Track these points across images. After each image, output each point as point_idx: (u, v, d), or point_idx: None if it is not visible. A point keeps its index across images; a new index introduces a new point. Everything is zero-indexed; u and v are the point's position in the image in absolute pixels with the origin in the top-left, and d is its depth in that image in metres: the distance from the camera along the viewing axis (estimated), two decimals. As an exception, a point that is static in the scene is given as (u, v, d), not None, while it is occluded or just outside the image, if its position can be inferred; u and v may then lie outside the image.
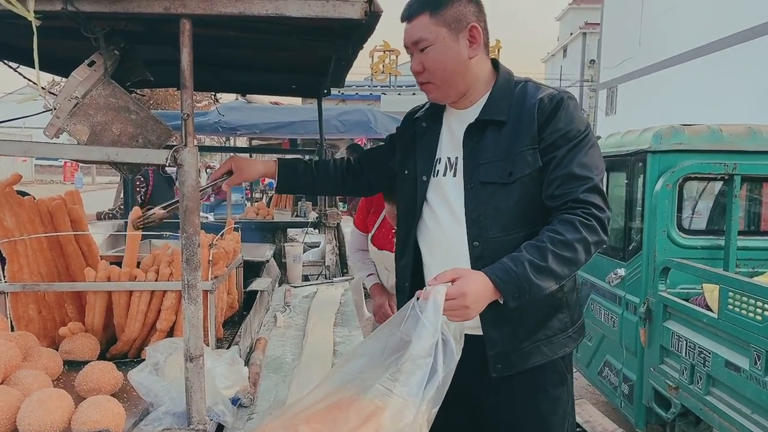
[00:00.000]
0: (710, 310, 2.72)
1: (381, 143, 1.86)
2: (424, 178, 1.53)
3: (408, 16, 1.42)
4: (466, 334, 1.46)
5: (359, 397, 1.10)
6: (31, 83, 1.46)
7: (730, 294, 2.48)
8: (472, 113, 1.47)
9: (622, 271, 3.37)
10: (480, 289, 1.24)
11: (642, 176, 3.25)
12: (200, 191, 1.45)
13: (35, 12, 1.08)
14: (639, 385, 3.19)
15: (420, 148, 1.57)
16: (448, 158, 1.51)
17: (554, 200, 1.36)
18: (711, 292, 2.77)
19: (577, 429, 3.41)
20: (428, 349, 1.12)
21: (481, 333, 1.45)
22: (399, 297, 1.65)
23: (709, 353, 2.59)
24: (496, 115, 1.43)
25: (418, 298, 1.21)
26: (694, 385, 2.70)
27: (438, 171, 1.52)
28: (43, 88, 1.28)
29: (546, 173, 1.38)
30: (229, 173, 1.67)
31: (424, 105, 1.65)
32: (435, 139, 1.55)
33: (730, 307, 2.47)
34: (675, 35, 9.19)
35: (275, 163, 1.71)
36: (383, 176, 1.77)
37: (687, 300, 2.94)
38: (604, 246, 1.38)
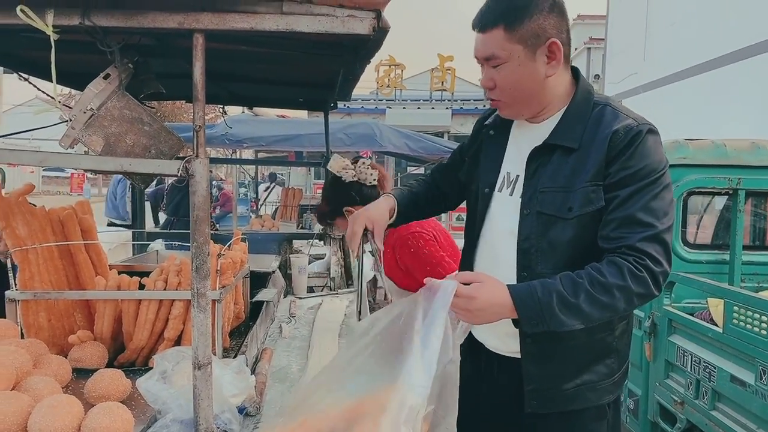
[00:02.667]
0: (715, 324, 2.72)
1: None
2: (487, 191, 1.43)
3: (481, 27, 1.28)
4: (503, 355, 1.42)
5: (368, 394, 1.11)
6: (47, 96, 1.49)
7: (735, 308, 2.47)
8: (543, 130, 1.35)
9: (626, 285, 3.37)
10: (493, 301, 1.18)
11: (646, 190, 3.26)
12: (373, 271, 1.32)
13: (53, 26, 1.11)
14: (644, 400, 3.18)
15: (485, 158, 1.47)
16: (508, 173, 1.41)
17: (608, 242, 1.23)
18: (716, 306, 2.77)
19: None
20: (435, 339, 1.12)
21: (518, 355, 1.36)
22: None
23: (715, 368, 2.58)
24: (567, 141, 1.29)
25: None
26: (700, 400, 2.69)
27: (498, 185, 1.43)
28: (58, 100, 1.31)
29: (605, 212, 1.25)
30: (365, 230, 1.48)
31: (491, 112, 1.52)
32: (501, 150, 1.44)
33: (735, 321, 2.47)
34: (680, 50, 9.23)
35: (393, 200, 1.56)
36: (456, 189, 1.67)
37: (692, 314, 2.94)
38: (652, 299, 1.26)
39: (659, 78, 10.06)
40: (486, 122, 1.52)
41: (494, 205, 1.43)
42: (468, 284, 1.20)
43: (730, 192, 3.14)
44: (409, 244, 2.09)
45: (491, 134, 1.48)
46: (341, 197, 2.11)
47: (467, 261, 1.51)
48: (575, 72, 1.37)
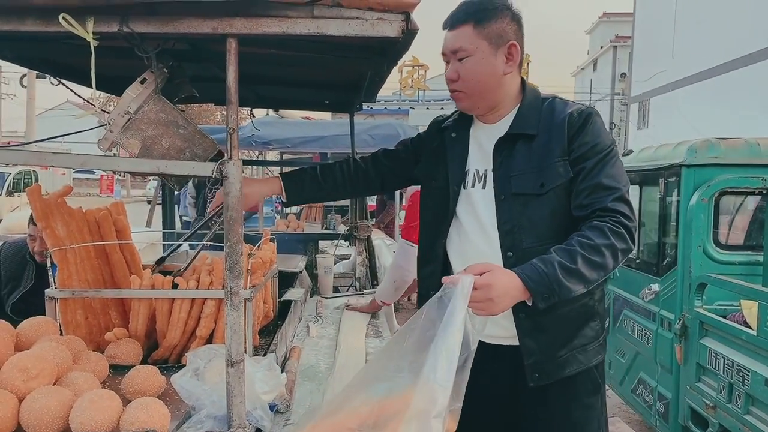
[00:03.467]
0: (749, 326, 2.66)
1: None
2: (455, 188, 1.56)
3: (452, 24, 1.46)
4: (498, 345, 1.50)
5: (394, 393, 1.12)
6: (83, 100, 1.54)
7: (770, 311, 2.42)
8: (500, 127, 1.51)
9: (656, 287, 3.32)
10: (508, 285, 1.25)
11: (676, 190, 3.21)
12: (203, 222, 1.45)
13: (93, 33, 1.15)
14: (675, 404, 3.12)
15: (451, 158, 1.59)
16: (476, 170, 1.54)
17: (583, 209, 1.40)
18: (749, 308, 2.71)
19: (610, 447, 3.35)
20: (456, 334, 1.14)
21: (516, 343, 1.46)
22: (421, 304, 1.65)
23: (748, 371, 2.52)
24: (526, 129, 1.47)
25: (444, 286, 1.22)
26: (733, 404, 2.63)
27: (467, 183, 1.55)
28: (95, 106, 1.35)
29: (575, 184, 1.42)
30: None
31: (449, 116, 1.68)
32: (465, 150, 1.58)
33: (770, 324, 2.41)
34: (709, 47, 9.03)
35: (278, 179, 1.69)
36: (401, 179, 1.82)
37: (724, 317, 2.88)
38: (630, 254, 1.41)
39: (689, 75, 9.86)
40: (444, 125, 1.66)
41: (463, 200, 1.55)
42: (480, 275, 1.24)
43: (764, 192, 3.06)
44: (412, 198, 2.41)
45: (453, 136, 1.61)
46: None
47: (431, 252, 1.60)
48: (523, 81, 1.56)
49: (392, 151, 1.81)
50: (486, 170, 1.52)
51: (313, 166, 1.77)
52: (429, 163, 1.66)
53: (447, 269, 1.59)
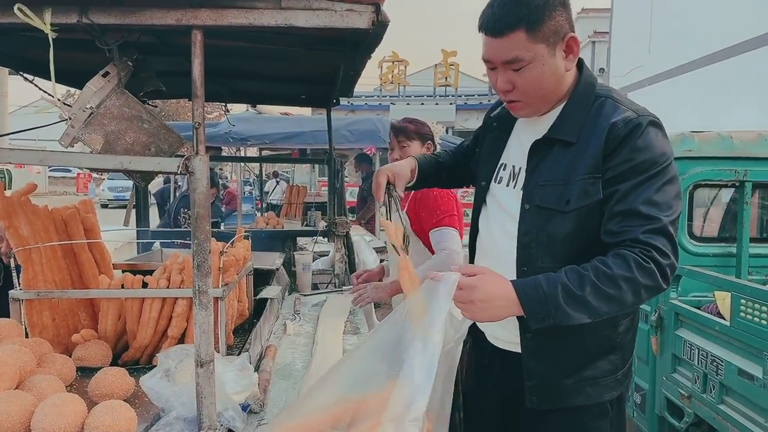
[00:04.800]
0: (722, 317, 2.69)
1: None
2: (483, 184, 1.46)
3: (497, 31, 1.23)
4: (505, 350, 1.43)
5: (370, 391, 1.11)
6: (46, 95, 1.49)
7: (743, 301, 2.45)
8: (544, 123, 1.34)
9: (632, 279, 3.35)
10: (496, 293, 1.16)
11: (652, 183, 3.24)
12: (390, 212, 1.43)
13: (51, 24, 1.11)
14: (651, 395, 3.16)
15: (485, 151, 1.50)
16: (513, 167, 1.41)
17: (611, 237, 1.21)
18: (723, 299, 2.75)
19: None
20: (436, 334, 1.12)
21: (520, 350, 1.36)
22: None
23: (722, 361, 2.56)
24: (566, 135, 1.29)
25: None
26: (707, 393, 2.67)
27: (501, 178, 1.43)
28: (58, 99, 1.31)
29: (607, 206, 1.22)
30: (388, 183, 1.52)
31: (502, 102, 1.47)
32: (502, 143, 1.45)
33: (743, 314, 2.45)
34: (685, 43, 9.15)
35: (415, 161, 1.62)
36: (469, 175, 1.71)
37: (699, 308, 2.91)
38: (660, 292, 1.23)
39: (665, 70, 10.00)
40: (493, 113, 1.53)
41: (491, 198, 1.44)
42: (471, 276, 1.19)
43: (737, 184, 3.11)
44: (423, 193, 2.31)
45: (494, 126, 1.49)
46: None
47: (470, 253, 1.52)
48: (579, 62, 1.35)
49: (466, 145, 1.74)
50: (521, 168, 1.37)
51: (436, 158, 1.71)
52: (479, 157, 1.58)
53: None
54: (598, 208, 1.24)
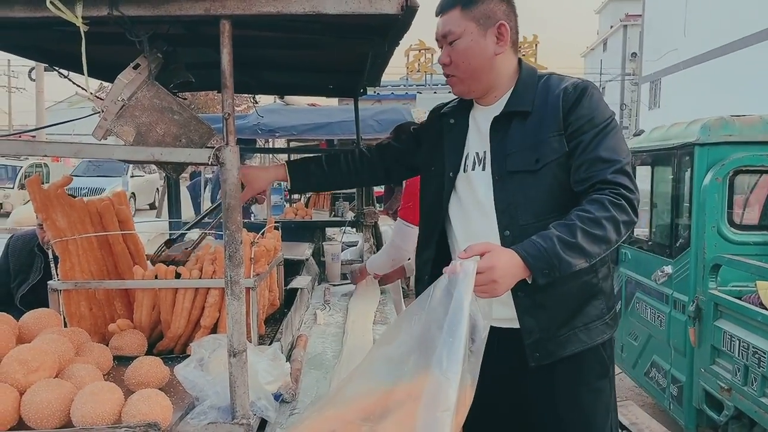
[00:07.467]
0: (765, 308, 2.60)
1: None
2: (451, 174, 1.55)
3: (441, 9, 1.47)
4: (502, 328, 1.47)
5: (400, 383, 1.10)
6: (80, 88, 1.51)
7: (787, 291, 2.36)
8: (497, 108, 1.50)
9: (669, 269, 3.26)
10: (509, 263, 1.23)
11: (689, 170, 3.14)
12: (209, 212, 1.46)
13: (83, 18, 1.12)
14: (689, 387, 3.08)
15: (447, 144, 1.59)
16: (477, 153, 1.53)
17: (582, 183, 1.37)
18: (766, 289, 2.65)
19: (623, 431, 3.32)
20: (462, 324, 1.11)
21: (517, 326, 1.45)
22: (419, 288, 1.65)
23: (765, 353, 2.47)
24: (521, 106, 1.46)
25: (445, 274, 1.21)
26: (748, 386, 2.59)
27: (467, 166, 1.54)
28: (91, 93, 1.33)
29: (573, 159, 1.40)
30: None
31: (448, 102, 1.68)
32: (463, 135, 1.57)
33: (787, 305, 2.36)
34: (722, 24, 8.83)
35: (284, 166, 1.72)
36: (405, 168, 1.81)
37: (739, 298, 2.82)
38: (634, 226, 1.38)
39: (702, 53, 9.67)
40: (443, 111, 1.65)
41: (464, 184, 1.54)
42: (480, 255, 1.22)
43: (781, 170, 2.99)
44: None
45: (451, 122, 1.60)
46: None
47: (430, 239, 1.60)
48: (520, 61, 1.54)
49: (396, 140, 1.83)
50: (485, 152, 1.51)
51: (318, 155, 1.78)
52: (429, 150, 1.66)
53: (444, 255, 1.59)
54: (565, 162, 1.40)
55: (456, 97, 1.62)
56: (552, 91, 1.44)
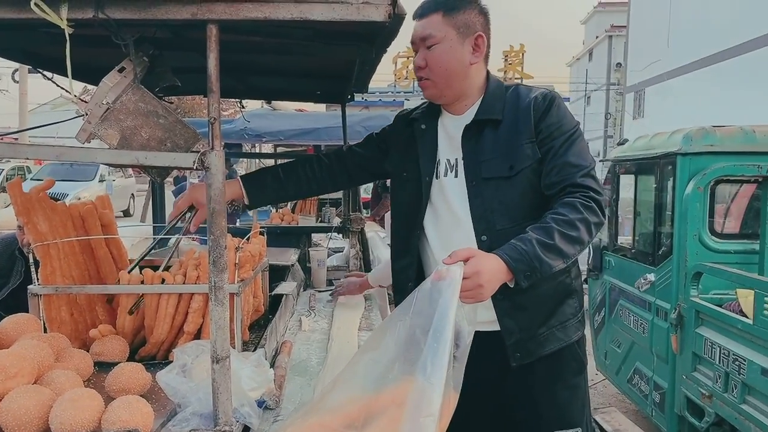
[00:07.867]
0: (745, 315, 2.64)
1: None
2: (428, 179, 1.58)
3: (421, 13, 1.50)
4: (481, 331, 1.45)
5: (384, 389, 1.10)
6: (64, 91, 1.50)
7: (766, 299, 2.40)
8: (467, 117, 1.55)
9: (651, 276, 3.30)
10: (494, 268, 1.26)
11: (672, 179, 3.19)
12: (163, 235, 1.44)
13: (68, 20, 1.11)
14: (671, 393, 3.12)
15: (422, 150, 1.61)
16: (448, 160, 1.57)
17: (553, 187, 1.44)
18: (746, 297, 2.69)
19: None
20: (448, 329, 1.12)
21: (497, 328, 1.49)
22: (398, 297, 1.66)
23: (744, 360, 2.51)
24: (492, 114, 1.51)
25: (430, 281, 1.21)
26: (729, 393, 2.62)
27: (439, 173, 1.58)
28: (75, 96, 1.31)
29: (544, 164, 1.46)
30: (191, 208, 1.61)
31: (414, 109, 1.71)
32: (434, 142, 1.60)
33: (766, 312, 2.40)
34: (705, 36, 8.99)
35: (238, 182, 1.68)
36: (369, 173, 1.84)
37: (720, 306, 2.86)
38: (602, 227, 1.46)
39: (685, 64, 9.84)
40: (412, 116, 1.67)
41: (436, 190, 1.57)
42: (465, 261, 1.24)
43: (760, 180, 3.04)
44: None
45: (423, 128, 1.62)
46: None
47: (407, 245, 1.61)
48: (488, 73, 1.60)
49: (358, 145, 1.84)
50: (456, 159, 1.55)
51: (275, 166, 1.76)
52: (399, 155, 1.68)
53: (422, 261, 1.60)
54: (537, 167, 1.47)
55: (421, 103, 1.65)
56: (522, 100, 1.50)
